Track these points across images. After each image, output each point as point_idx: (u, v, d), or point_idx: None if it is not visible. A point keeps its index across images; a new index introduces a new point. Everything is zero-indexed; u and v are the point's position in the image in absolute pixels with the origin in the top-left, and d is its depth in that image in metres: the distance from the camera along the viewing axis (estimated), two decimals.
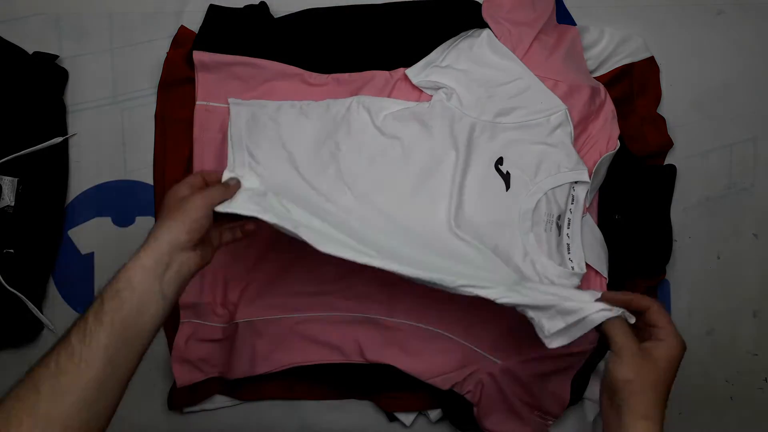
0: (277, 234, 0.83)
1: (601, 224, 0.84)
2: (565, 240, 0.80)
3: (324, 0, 0.88)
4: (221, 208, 0.65)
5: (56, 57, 0.87)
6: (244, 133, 0.83)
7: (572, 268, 0.79)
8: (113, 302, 0.54)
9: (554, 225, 0.80)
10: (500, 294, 0.67)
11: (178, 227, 0.59)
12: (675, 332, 0.59)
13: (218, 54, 0.85)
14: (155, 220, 0.63)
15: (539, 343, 0.66)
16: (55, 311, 0.88)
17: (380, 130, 0.81)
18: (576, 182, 0.81)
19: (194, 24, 0.88)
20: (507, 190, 0.81)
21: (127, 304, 0.55)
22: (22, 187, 0.84)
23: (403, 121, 0.81)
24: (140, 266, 0.56)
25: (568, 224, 0.81)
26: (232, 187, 0.67)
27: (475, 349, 0.82)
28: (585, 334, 0.81)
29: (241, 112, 0.83)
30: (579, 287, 0.78)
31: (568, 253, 0.80)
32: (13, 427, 0.47)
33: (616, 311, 0.61)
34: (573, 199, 0.81)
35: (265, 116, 0.83)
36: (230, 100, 0.83)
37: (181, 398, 0.85)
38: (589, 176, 0.81)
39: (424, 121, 0.81)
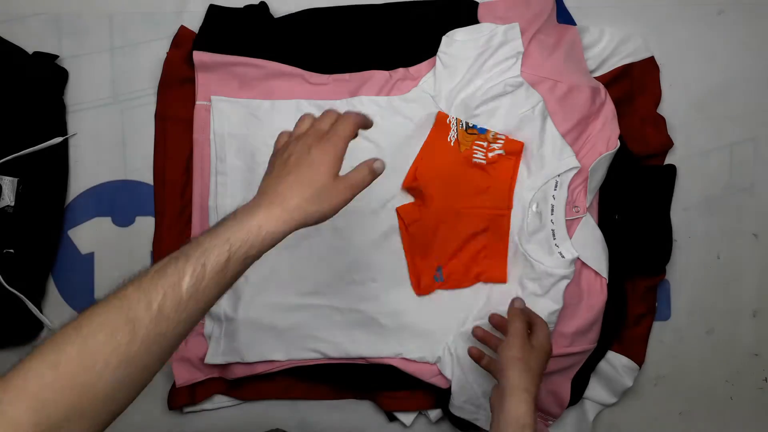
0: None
1: (601, 224, 0.84)
2: (549, 226, 0.81)
3: (324, 0, 0.89)
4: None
5: (56, 57, 0.87)
6: (227, 131, 0.84)
7: (561, 254, 0.79)
8: (241, 263, 0.51)
9: (534, 212, 0.81)
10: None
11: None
12: (546, 332, 0.72)
13: (218, 54, 0.85)
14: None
15: None
16: (55, 311, 0.88)
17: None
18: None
19: (194, 24, 0.88)
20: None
21: (251, 260, 0.52)
22: (22, 187, 0.84)
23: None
24: (277, 232, 0.52)
25: (552, 210, 0.81)
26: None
27: None
28: (586, 334, 0.82)
29: (223, 109, 0.84)
30: (575, 278, 0.80)
31: (554, 239, 0.80)
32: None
33: None
34: (557, 185, 0.81)
35: (257, 114, 0.84)
36: (213, 97, 0.84)
37: (181, 398, 0.85)
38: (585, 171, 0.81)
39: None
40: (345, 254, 0.82)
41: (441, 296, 0.82)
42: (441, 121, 0.81)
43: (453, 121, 0.80)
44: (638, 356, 0.87)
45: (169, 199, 0.87)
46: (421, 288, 0.81)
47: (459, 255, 0.82)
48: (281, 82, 0.86)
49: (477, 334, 0.78)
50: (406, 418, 0.88)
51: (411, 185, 0.81)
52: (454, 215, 0.81)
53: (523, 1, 0.85)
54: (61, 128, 0.87)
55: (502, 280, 0.81)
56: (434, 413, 0.87)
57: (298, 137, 0.58)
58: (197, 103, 0.86)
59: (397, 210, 0.81)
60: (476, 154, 0.81)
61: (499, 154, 0.81)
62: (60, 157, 0.87)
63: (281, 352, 0.82)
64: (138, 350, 0.45)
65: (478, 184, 0.81)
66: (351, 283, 0.82)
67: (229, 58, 0.85)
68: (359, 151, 0.82)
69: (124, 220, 0.89)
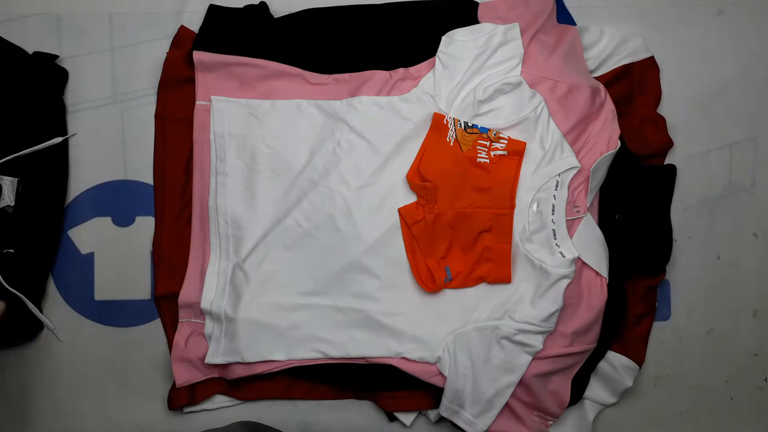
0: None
1: (601, 224, 0.84)
2: (550, 226, 0.81)
3: (324, 0, 0.89)
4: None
5: (56, 57, 0.87)
6: (227, 130, 0.84)
7: (561, 254, 0.79)
8: None
9: (535, 211, 0.81)
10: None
11: None
12: None
13: (218, 54, 0.85)
14: None
15: None
16: (55, 311, 0.88)
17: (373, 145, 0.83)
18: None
19: (194, 24, 0.88)
20: None
21: None
22: (22, 187, 0.84)
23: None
24: None
25: (553, 210, 0.81)
26: None
27: None
28: (586, 334, 0.82)
29: (223, 109, 0.84)
30: (576, 278, 0.80)
31: (555, 238, 0.80)
32: None
33: None
34: (558, 185, 0.81)
35: (257, 114, 0.84)
36: (213, 98, 0.84)
37: (181, 398, 0.85)
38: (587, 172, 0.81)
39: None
40: (345, 254, 0.82)
41: (443, 296, 0.82)
42: (438, 121, 0.81)
43: (451, 121, 0.80)
44: (638, 356, 0.88)
45: (169, 199, 0.87)
46: (437, 285, 0.81)
47: (463, 255, 0.82)
48: (281, 82, 0.86)
49: None
50: (406, 418, 0.88)
51: (416, 185, 0.81)
52: (458, 215, 0.81)
53: (523, 1, 0.85)
54: (61, 128, 0.87)
55: (506, 280, 0.81)
56: (434, 413, 0.87)
57: None
58: (197, 103, 0.86)
59: (400, 210, 0.81)
60: (480, 153, 0.81)
61: (501, 155, 0.81)
62: (60, 157, 0.87)
63: (281, 352, 0.82)
64: None
65: (480, 184, 0.81)
66: (351, 283, 0.82)
67: (229, 58, 0.85)
68: (359, 152, 0.83)
69: (124, 220, 0.89)
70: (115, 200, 0.89)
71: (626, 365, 0.87)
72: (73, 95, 0.89)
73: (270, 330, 0.82)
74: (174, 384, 0.84)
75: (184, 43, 0.87)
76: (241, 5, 0.88)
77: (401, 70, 0.85)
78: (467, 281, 0.82)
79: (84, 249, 0.88)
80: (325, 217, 0.82)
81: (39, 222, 0.85)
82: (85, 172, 0.89)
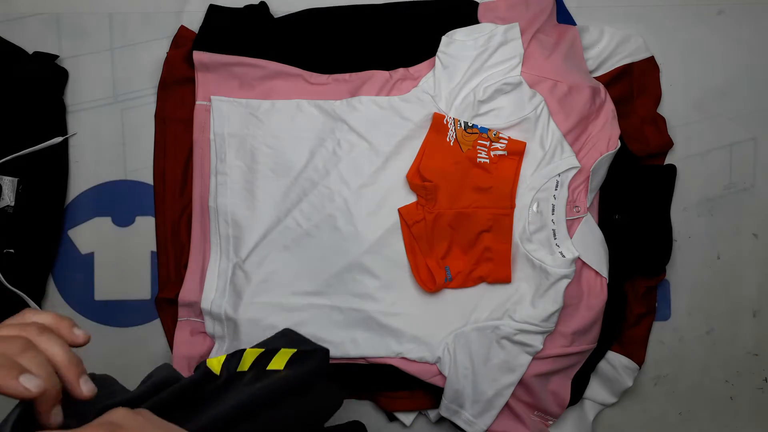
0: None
1: (601, 224, 0.84)
2: (550, 226, 0.81)
3: (324, 0, 0.89)
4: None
5: (56, 57, 0.87)
6: (227, 131, 0.84)
7: (561, 254, 0.79)
8: None
9: (535, 211, 0.81)
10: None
11: None
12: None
13: (218, 54, 0.85)
14: None
15: None
16: (55, 311, 0.87)
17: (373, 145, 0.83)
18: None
19: (194, 24, 0.88)
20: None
21: None
22: (22, 187, 0.84)
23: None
24: None
25: (553, 210, 0.81)
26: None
27: None
28: (586, 334, 0.82)
29: (223, 109, 0.84)
30: (576, 278, 0.80)
31: (555, 238, 0.80)
32: None
33: None
34: (558, 185, 0.81)
35: (257, 114, 0.84)
36: (213, 98, 0.84)
37: None
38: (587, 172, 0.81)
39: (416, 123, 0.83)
40: (345, 254, 0.82)
41: (443, 296, 0.82)
42: (438, 121, 0.81)
43: (451, 121, 0.80)
44: (638, 356, 0.88)
45: (169, 199, 0.87)
46: (436, 285, 0.81)
47: (463, 255, 0.82)
48: (281, 82, 0.86)
49: None
50: (406, 418, 0.88)
51: (416, 185, 0.81)
52: (458, 215, 0.81)
53: (523, 1, 0.85)
54: (61, 128, 0.87)
55: (507, 280, 0.81)
56: (434, 413, 0.87)
57: None
58: (197, 103, 0.86)
59: (399, 210, 0.81)
60: (480, 153, 0.81)
61: (501, 155, 0.81)
62: (60, 157, 0.87)
63: None
64: None
65: (480, 184, 0.81)
66: (351, 283, 0.82)
67: (229, 58, 0.85)
68: (359, 152, 0.83)
69: (124, 220, 0.89)
70: (115, 200, 0.89)
71: (626, 365, 0.87)
72: (73, 95, 0.89)
73: (270, 330, 0.81)
74: None
75: (184, 43, 0.87)
76: (241, 5, 0.88)
77: (401, 70, 0.85)
78: (467, 281, 0.82)
79: (84, 249, 0.88)
80: (325, 217, 0.82)
81: (39, 222, 0.85)
82: (85, 172, 0.89)
